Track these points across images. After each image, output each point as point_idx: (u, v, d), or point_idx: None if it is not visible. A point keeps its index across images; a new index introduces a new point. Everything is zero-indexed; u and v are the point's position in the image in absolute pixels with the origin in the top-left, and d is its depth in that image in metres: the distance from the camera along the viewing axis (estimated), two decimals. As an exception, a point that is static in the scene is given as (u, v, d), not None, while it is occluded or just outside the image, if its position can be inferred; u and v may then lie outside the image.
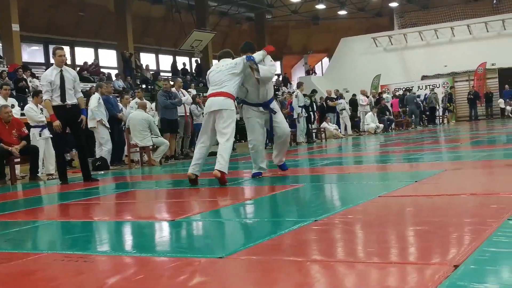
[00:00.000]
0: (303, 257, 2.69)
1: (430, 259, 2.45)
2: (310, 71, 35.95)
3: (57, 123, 7.97)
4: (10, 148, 9.00)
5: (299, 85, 17.29)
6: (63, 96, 8.05)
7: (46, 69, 21.20)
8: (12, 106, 10.30)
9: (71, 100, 8.15)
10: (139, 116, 11.47)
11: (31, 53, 25.78)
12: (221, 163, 6.28)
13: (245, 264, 2.64)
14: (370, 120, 20.52)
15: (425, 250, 2.67)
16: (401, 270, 2.35)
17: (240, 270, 2.55)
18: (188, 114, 13.48)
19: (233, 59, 6.87)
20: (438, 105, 26.40)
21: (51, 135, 10.64)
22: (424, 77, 30.60)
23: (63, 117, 8.04)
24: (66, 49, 19.98)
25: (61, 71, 8.11)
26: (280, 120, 7.05)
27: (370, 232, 3.23)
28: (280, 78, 33.89)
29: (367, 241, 3.05)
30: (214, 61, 30.30)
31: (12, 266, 3.03)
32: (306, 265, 2.52)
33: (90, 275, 2.70)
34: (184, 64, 29.83)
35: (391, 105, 24.09)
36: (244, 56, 6.68)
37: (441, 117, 26.99)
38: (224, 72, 6.65)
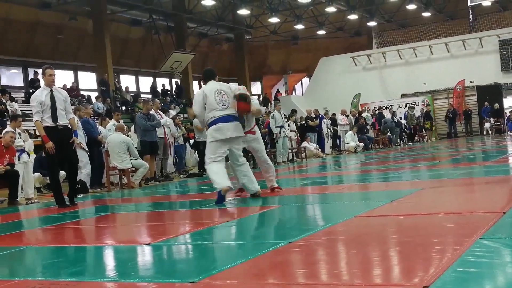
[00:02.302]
0: (281, 280, 2.70)
1: (400, 280, 2.48)
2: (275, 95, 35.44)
3: (50, 144, 7.82)
4: None
5: (275, 105, 17.39)
6: (54, 117, 7.90)
7: (25, 93, 21.05)
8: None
9: (62, 120, 8.00)
10: (118, 138, 11.43)
11: (10, 77, 25.65)
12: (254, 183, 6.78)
13: (219, 288, 2.64)
14: (350, 139, 20.62)
15: (395, 270, 2.70)
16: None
17: (214, 295, 2.56)
18: (167, 135, 13.46)
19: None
20: (412, 122, 26.56)
21: (29, 159, 10.58)
22: (403, 95, 30.90)
23: (55, 138, 7.88)
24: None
25: (51, 91, 7.98)
26: None
27: (348, 253, 3.26)
28: (261, 98, 34.01)
29: (343, 263, 3.07)
30: (194, 82, 30.47)
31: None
32: (280, 288, 2.53)
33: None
34: (163, 85, 29.86)
35: (373, 124, 24.27)
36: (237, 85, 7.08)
37: (418, 135, 27.18)
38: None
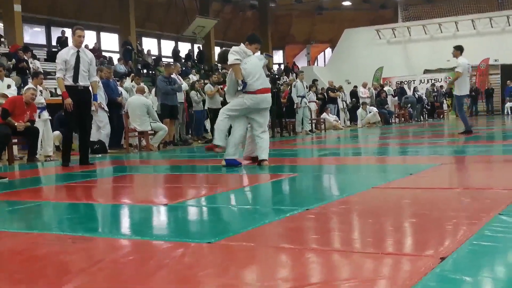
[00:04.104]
0: (294, 244, 2.70)
1: (419, 250, 2.46)
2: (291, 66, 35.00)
3: (69, 100, 7.93)
4: (16, 123, 8.98)
5: (298, 74, 17.24)
6: (75, 77, 8.01)
7: (47, 51, 21.16)
8: (9, 86, 10.30)
9: (83, 82, 8.12)
10: (138, 100, 11.45)
11: (33, 35, 25.69)
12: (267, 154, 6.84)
13: (234, 250, 2.64)
14: (364, 115, 20.45)
15: (413, 241, 2.68)
16: (387, 260, 2.35)
17: (229, 256, 2.56)
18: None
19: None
20: (430, 99, 26.26)
21: (49, 117, 10.64)
22: (426, 71, 30.52)
23: (73, 98, 7.99)
24: (68, 31, 19.97)
25: (78, 51, 8.09)
26: None
27: (361, 223, 3.24)
28: (282, 67, 33.81)
29: (357, 231, 3.06)
30: (216, 48, 30.31)
31: (2, 245, 3.04)
32: (297, 253, 2.53)
33: (79, 255, 2.71)
34: (189, 50, 29.77)
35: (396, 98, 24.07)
36: (264, 54, 7.23)
37: (438, 112, 26.90)
38: (259, 66, 6.97)
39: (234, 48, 7.01)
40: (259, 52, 7.28)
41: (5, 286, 2.20)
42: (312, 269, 2.30)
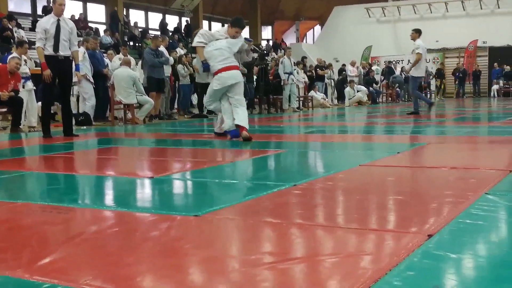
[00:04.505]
0: (280, 219, 2.68)
1: (405, 227, 2.46)
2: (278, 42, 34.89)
3: (47, 72, 7.81)
4: (0, 92, 8.87)
5: (285, 50, 17.15)
6: (56, 47, 7.87)
7: (32, 20, 20.82)
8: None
9: (64, 51, 7.98)
10: (124, 72, 11.34)
11: (18, 3, 25.24)
12: (245, 122, 6.88)
13: (220, 223, 2.63)
14: (351, 94, 20.44)
15: (401, 219, 2.68)
16: (375, 236, 2.35)
17: (215, 229, 2.54)
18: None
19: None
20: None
21: (34, 87, 10.52)
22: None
23: (54, 68, 7.86)
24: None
25: (58, 20, 7.94)
26: None
27: (348, 199, 3.23)
28: (270, 44, 33.62)
29: (345, 207, 3.05)
30: (205, 22, 30.05)
31: (-14, 213, 3.00)
32: (283, 227, 2.51)
33: (64, 226, 2.68)
34: (177, 24, 29.45)
35: (383, 78, 24.07)
36: (243, 39, 7.24)
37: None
38: (227, 49, 7.06)
39: (201, 31, 7.45)
40: (243, 38, 7.30)
41: (-12, 253, 2.17)
42: (297, 244, 2.29)
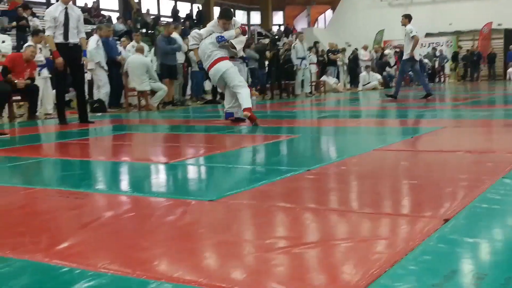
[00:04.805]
0: (294, 204, 2.69)
1: (421, 212, 2.46)
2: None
3: (60, 60, 7.86)
4: (16, 80, 8.92)
5: (298, 35, 17.03)
6: (66, 34, 7.92)
7: (47, 8, 20.87)
8: (3, 42, 10.19)
9: (73, 39, 8.03)
10: (138, 60, 11.36)
11: (32, -9, 25.30)
12: (246, 103, 7.03)
13: (235, 208, 2.64)
14: (367, 80, 20.31)
15: (416, 203, 2.67)
16: (390, 221, 2.35)
17: (230, 214, 2.56)
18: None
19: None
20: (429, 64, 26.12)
21: (49, 75, 10.57)
22: (427, 35, 30.21)
23: (65, 56, 7.91)
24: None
25: (66, 8, 7.97)
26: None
27: (363, 184, 3.23)
28: (282, 29, 33.45)
29: (360, 192, 3.06)
30: (216, 8, 29.94)
31: (4, 199, 3.04)
32: (297, 212, 2.52)
33: (80, 211, 2.70)
34: (191, 10, 29.37)
35: (395, 62, 23.90)
36: (216, 36, 7.30)
37: (439, 76, 26.79)
38: (208, 46, 7.34)
39: (192, 33, 7.79)
40: (233, 30, 7.40)
41: (8, 238, 2.20)
42: (311, 228, 2.30)
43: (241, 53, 7.69)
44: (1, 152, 5.16)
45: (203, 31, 7.57)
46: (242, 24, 7.73)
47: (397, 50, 25.47)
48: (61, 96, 8.47)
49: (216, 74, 7.33)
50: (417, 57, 12.87)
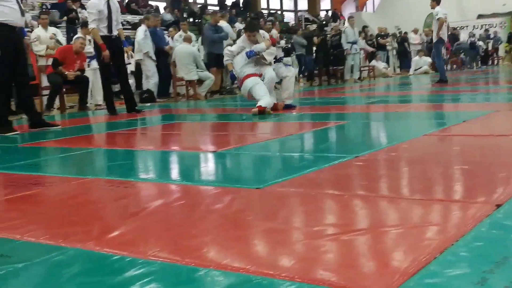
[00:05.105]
0: (342, 191, 2.67)
1: (472, 197, 2.40)
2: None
3: (107, 52, 7.99)
4: (67, 72, 9.12)
5: (348, 19, 16.83)
6: (110, 27, 8.05)
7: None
8: (54, 34, 10.41)
9: (115, 31, 8.18)
10: (185, 49, 11.45)
11: (81, -16, 25.72)
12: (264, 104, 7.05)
13: (282, 196, 2.64)
14: (419, 65, 19.96)
15: (468, 189, 2.62)
16: (441, 207, 2.31)
17: (278, 201, 2.55)
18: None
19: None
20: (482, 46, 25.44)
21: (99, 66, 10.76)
22: (479, 16, 29.43)
23: (109, 48, 8.05)
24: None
25: (108, 0, 8.07)
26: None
27: (413, 170, 3.18)
28: (329, 14, 33.12)
29: (410, 178, 3.01)
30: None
31: (57, 188, 3.12)
32: (346, 199, 2.50)
33: (130, 200, 2.75)
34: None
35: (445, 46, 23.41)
36: (245, 52, 7.38)
37: (492, 58, 26.08)
38: (238, 64, 7.56)
39: (225, 50, 8.10)
40: (263, 43, 7.49)
41: (61, 227, 2.26)
42: (360, 215, 2.28)
43: (272, 61, 7.75)
44: (53, 143, 5.30)
45: (234, 47, 7.74)
46: (271, 36, 7.83)
47: (449, 33, 24.94)
48: (108, 87, 8.61)
49: (245, 89, 7.43)
50: (445, 38, 12.92)
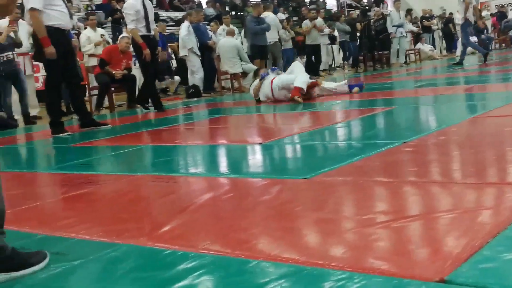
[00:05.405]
0: (391, 178, 2.65)
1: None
2: None
3: (147, 51, 8.07)
4: (114, 71, 9.28)
5: (394, 2, 16.53)
6: (148, 26, 8.14)
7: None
8: (102, 35, 10.57)
9: (152, 30, 8.31)
10: (228, 43, 11.48)
11: (123, -16, 26.04)
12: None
13: (330, 185, 2.63)
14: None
15: (518, 170, 2.55)
16: (494, 190, 2.27)
17: (325, 191, 2.54)
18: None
19: None
20: None
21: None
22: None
23: (149, 47, 8.14)
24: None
25: (143, 0, 8.15)
26: None
27: (461, 153, 3.12)
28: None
29: (460, 162, 2.96)
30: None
31: (107, 186, 3.19)
32: (395, 186, 2.48)
33: (179, 194, 2.79)
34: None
35: (492, 24, 22.77)
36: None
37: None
38: None
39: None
40: None
41: (113, 225, 2.31)
42: (411, 202, 2.25)
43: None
44: (103, 141, 5.41)
45: None
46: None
47: (496, 11, 24.30)
48: (152, 85, 8.70)
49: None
50: (471, 20, 12.71)
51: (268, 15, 12.66)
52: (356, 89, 7.79)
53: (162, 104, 8.56)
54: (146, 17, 8.09)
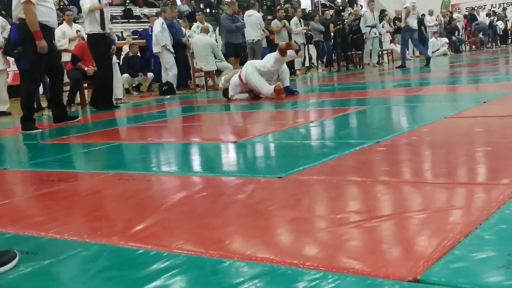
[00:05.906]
0: (364, 177, 2.66)
1: (495, 179, 2.38)
2: None
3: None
4: (86, 68, 9.17)
5: (368, 3, 16.66)
6: (102, 24, 8.13)
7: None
8: (78, 31, 10.46)
9: (108, 29, 8.31)
10: (203, 40, 11.45)
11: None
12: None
13: (304, 184, 2.64)
14: (436, 47, 19.76)
15: (491, 171, 2.59)
16: (464, 190, 2.29)
17: (299, 190, 2.55)
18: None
19: None
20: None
21: (118, 61, 10.81)
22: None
23: (103, 46, 8.16)
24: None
25: None
26: None
27: (435, 153, 3.16)
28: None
29: (432, 162, 2.99)
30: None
31: (79, 184, 3.15)
32: (368, 185, 2.49)
33: (153, 193, 2.77)
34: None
35: (464, 26, 23.10)
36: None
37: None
38: None
39: (262, 62, 8.29)
40: None
41: (86, 222, 2.29)
42: (384, 201, 2.27)
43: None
44: (75, 139, 5.36)
45: (272, 66, 8.01)
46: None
47: (466, 13, 24.64)
48: (107, 84, 8.65)
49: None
50: (414, 26, 13.46)
51: (253, 14, 12.63)
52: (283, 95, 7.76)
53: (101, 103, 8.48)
54: (102, 14, 8.06)
